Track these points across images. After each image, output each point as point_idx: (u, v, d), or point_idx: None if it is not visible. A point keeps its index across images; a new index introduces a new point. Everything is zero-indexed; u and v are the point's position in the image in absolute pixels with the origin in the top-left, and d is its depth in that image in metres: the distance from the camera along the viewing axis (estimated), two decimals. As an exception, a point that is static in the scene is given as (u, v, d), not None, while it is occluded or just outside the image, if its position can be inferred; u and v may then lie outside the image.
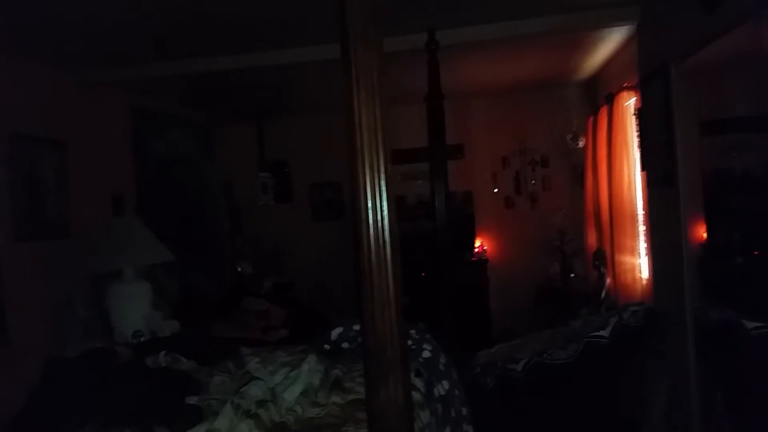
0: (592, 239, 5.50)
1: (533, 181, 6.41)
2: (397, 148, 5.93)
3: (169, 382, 2.32)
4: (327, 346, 2.68)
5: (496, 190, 6.53)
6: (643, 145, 3.72)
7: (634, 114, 3.91)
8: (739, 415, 2.87)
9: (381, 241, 1.25)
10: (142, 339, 3.46)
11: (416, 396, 2.26)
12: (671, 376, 3.42)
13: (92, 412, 1.98)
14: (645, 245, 4.03)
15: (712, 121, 3.36)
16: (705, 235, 3.64)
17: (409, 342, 2.61)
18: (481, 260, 6.42)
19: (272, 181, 6.29)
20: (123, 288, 3.71)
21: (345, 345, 2.66)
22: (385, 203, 1.26)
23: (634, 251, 4.23)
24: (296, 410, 2.04)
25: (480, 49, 4.43)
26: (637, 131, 3.87)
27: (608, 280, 4.78)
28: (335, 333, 2.72)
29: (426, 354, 2.61)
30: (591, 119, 5.42)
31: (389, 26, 3.52)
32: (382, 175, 1.26)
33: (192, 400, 2.20)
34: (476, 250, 6.48)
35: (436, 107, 3.33)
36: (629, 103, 4.15)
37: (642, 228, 4.09)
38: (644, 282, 4.08)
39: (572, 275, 5.88)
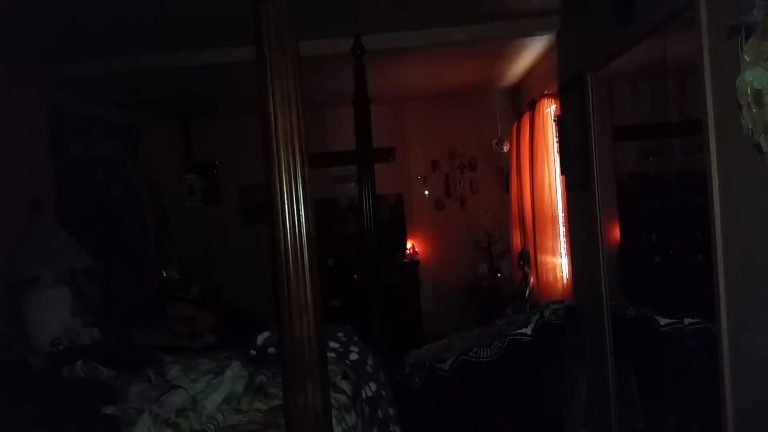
0: (516, 240, 5.66)
1: (462, 184, 6.55)
2: (328, 150, 5.96)
3: (84, 391, 2.23)
4: (253, 352, 2.65)
5: (426, 193, 6.63)
6: (562, 150, 3.87)
7: (554, 120, 4.06)
8: (653, 407, 3.02)
9: (298, 245, 1.25)
10: (60, 348, 3.31)
11: (342, 398, 2.26)
12: (590, 371, 3.56)
13: (1, 426, 1.88)
14: (565, 246, 4.19)
15: (625, 127, 3.51)
16: (620, 235, 3.80)
17: (337, 344, 2.61)
18: (413, 261, 6.50)
19: (200, 182, 6.14)
20: (40, 295, 3.54)
21: (272, 350, 2.64)
22: (302, 207, 1.26)
23: (555, 251, 4.39)
24: (217, 418, 2.01)
25: (408, 55, 4.49)
26: (556, 137, 4.02)
27: (532, 280, 4.94)
28: (261, 338, 2.69)
29: (353, 356, 2.62)
30: (515, 125, 5.59)
31: (316, 29, 3.52)
32: (299, 180, 1.26)
33: (109, 409, 2.13)
34: (407, 251, 6.56)
35: (362, 111, 3.36)
36: (549, 109, 4.31)
37: (562, 229, 4.25)
38: (565, 281, 4.24)
39: (499, 275, 6.04)
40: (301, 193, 1.26)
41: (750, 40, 1.50)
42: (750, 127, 1.54)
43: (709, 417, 2.13)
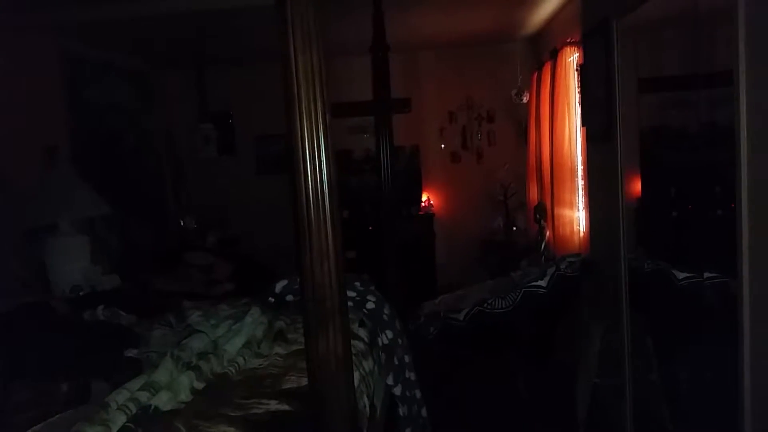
0: (533, 193, 5.62)
1: (479, 136, 6.47)
2: (343, 101, 5.88)
3: (106, 335, 2.28)
4: (271, 299, 2.68)
5: (443, 146, 6.56)
6: (584, 101, 3.79)
7: (577, 70, 3.96)
8: (667, 360, 3.04)
9: (319, 192, 1.24)
10: (80, 294, 3.37)
11: (359, 345, 2.29)
12: (605, 324, 3.57)
13: (24, 368, 1.93)
14: (583, 199, 4.15)
15: (650, 78, 3.42)
16: (641, 189, 3.76)
17: (354, 294, 2.63)
18: (428, 214, 6.49)
19: (215, 132, 6.11)
20: (60, 242, 3.59)
21: (289, 297, 2.66)
22: (324, 154, 1.25)
23: (572, 205, 4.35)
24: (238, 361, 2.05)
25: (427, 0, 4.37)
26: (578, 87, 3.93)
27: (548, 233, 4.92)
28: (279, 286, 2.71)
29: (370, 305, 2.64)
30: (535, 75, 5.46)
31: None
32: (321, 125, 1.24)
33: (131, 353, 2.17)
34: (423, 204, 6.54)
35: (381, 58, 3.29)
36: (572, 59, 4.19)
37: (581, 182, 4.20)
38: (581, 234, 4.22)
39: (515, 228, 6.03)
40: (322, 139, 1.24)
41: (792, -17, 1.43)
42: (786, 75, 1.49)
43: (723, 371, 2.13)
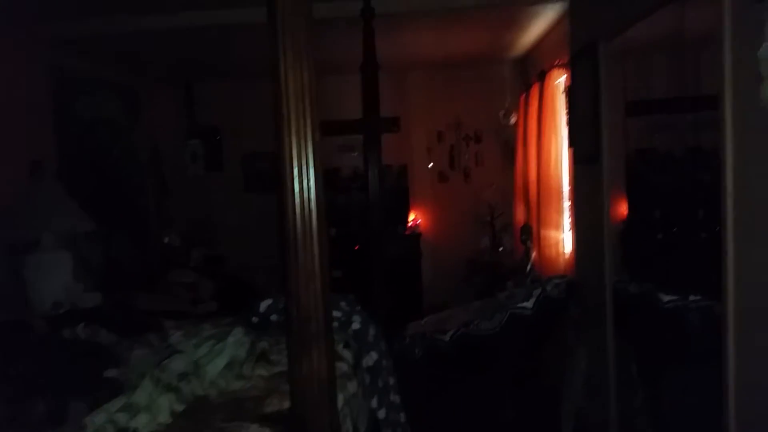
0: (520, 214, 5.64)
1: (467, 156, 6.50)
2: (332, 119, 5.88)
3: (85, 354, 2.23)
4: (255, 319, 2.64)
5: (430, 165, 6.58)
6: (571, 123, 3.82)
7: (564, 92, 3.99)
8: (651, 384, 3.03)
9: (307, 211, 1.22)
10: (61, 311, 3.31)
11: (344, 367, 2.26)
12: (590, 347, 3.57)
13: None
14: (569, 220, 4.16)
15: (637, 101, 3.46)
16: (627, 211, 3.78)
17: (339, 314, 2.60)
18: (415, 233, 6.48)
19: (202, 148, 6.09)
20: (41, 257, 3.52)
21: (274, 317, 2.63)
22: (312, 172, 1.23)
23: (558, 226, 4.36)
24: (219, 383, 2.01)
25: (417, 21, 4.41)
26: (566, 109, 3.96)
27: (534, 254, 4.93)
28: (264, 305, 2.68)
29: (355, 325, 2.61)
30: (523, 96, 5.51)
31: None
32: (309, 144, 1.23)
33: (111, 373, 2.12)
34: (410, 223, 6.54)
35: (370, 77, 3.29)
36: (560, 81, 4.23)
37: (567, 204, 4.22)
38: (567, 256, 4.22)
39: (501, 249, 6.03)
40: (311, 157, 1.23)
41: (776, 10, 1.45)
42: (771, 100, 1.50)
43: (708, 396, 2.12)
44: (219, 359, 2.11)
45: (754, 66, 1.53)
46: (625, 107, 3.31)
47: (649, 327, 3.05)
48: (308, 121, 1.20)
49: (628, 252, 3.41)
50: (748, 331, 1.84)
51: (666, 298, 2.94)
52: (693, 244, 2.78)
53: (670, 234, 3.32)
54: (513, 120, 5.88)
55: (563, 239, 4.31)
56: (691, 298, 2.67)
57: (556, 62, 4.24)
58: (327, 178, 5.07)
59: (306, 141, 1.21)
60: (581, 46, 3.44)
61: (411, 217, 6.56)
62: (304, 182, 1.21)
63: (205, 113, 6.32)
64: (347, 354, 2.39)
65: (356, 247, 5.93)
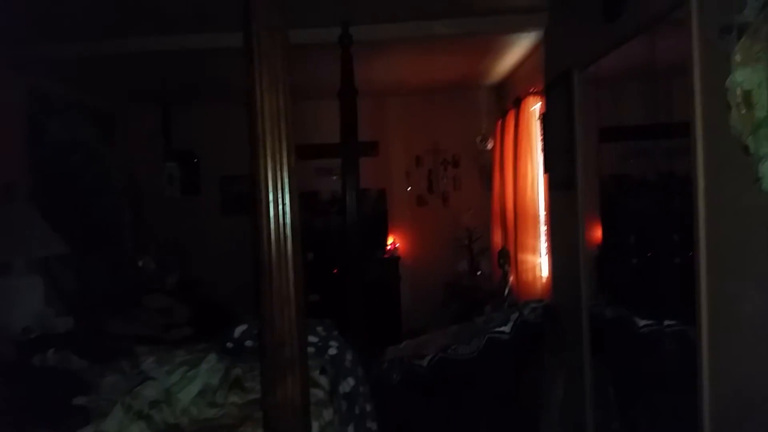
0: (497, 238, 5.67)
1: (445, 181, 6.54)
2: (311, 143, 5.90)
3: (54, 381, 2.17)
4: (230, 344, 2.60)
5: (409, 189, 6.61)
6: (546, 149, 3.87)
7: (539, 119, 4.05)
8: (628, 408, 3.03)
9: (282, 235, 1.21)
10: (31, 336, 3.23)
11: (320, 394, 2.23)
12: (568, 371, 3.57)
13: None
14: (546, 245, 4.20)
15: (611, 128, 3.53)
16: (602, 236, 3.82)
17: (316, 339, 2.58)
18: (393, 257, 6.47)
19: (179, 171, 6.03)
20: (12, 282, 3.45)
21: (249, 343, 2.59)
22: (287, 196, 1.23)
23: (535, 250, 4.40)
24: (191, 411, 1.97)
25: (395, 47, 4.46)
26: (541, 135, 4.02)
27: (511, 278, 4.94)
28: (239, 330, 2.64)
29: (332, 351, 2.59)
30: (499, 122, 5.58)
31: (303, 17, 3.46)
32: (285, 167, 1.22)
33: (80, 400, 2.07)
34: (389, 247, 6.53)
35: (348, 103, 3.31)
36: (535, 107, 4.30)
37: (543, 228, 4.25)
38: (544, 280, 4.25)
39: (479, 273, 6.04)
40: (286, 181, 1.22)
41: (741, 41, 1.49)
42: (738, 128, 1.53)
43: (684, 421, 2.13)
44: (192, 386, 2.06)
45: (723, 94, 1.56)
46: (600, 134, 3.36)
47: (625, 351, 3.07)
48: (284, 145, 1.20)
49: (604, 276, 3.44)
50: (720, 356, 1.86)
51: (641, 322, 2.96)
52: (667, 269, 2.81)
53: (645, 259, 3.36)
54: (490, 145, 5.95)
55: (540, 263, 4.34)
56: (666, 322, 2.69)
57: (532, 89, 4.31)
58: (306, 201, 5.06)
59: (281, 165, 1.20)
60: (556, 74, 3.51)
61: (389, 240, 6.56)
62: (280, 206, 1.20)
63: (183, 136, 6.29)
64: (323, 380, 2.36)
65: (334, 271, 5.90)
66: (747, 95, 1.50)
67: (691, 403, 1.99)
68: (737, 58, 1.51)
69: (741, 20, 1.50)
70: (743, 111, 1.52)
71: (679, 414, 2.35)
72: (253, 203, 1.21)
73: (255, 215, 1.20)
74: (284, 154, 1.20)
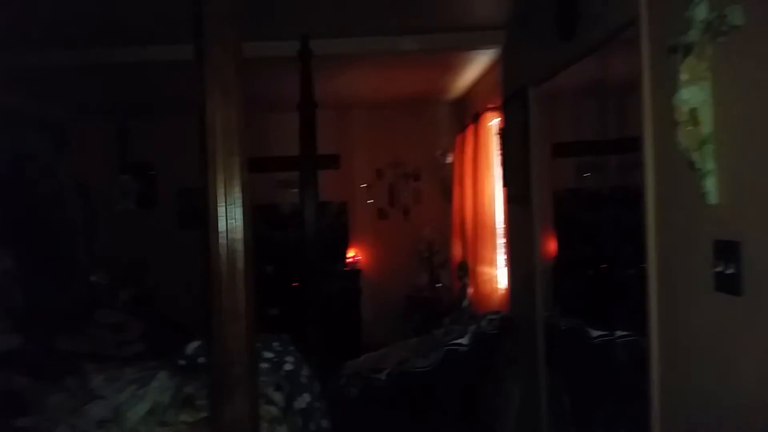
0: (457, 251, 5.71)
1: (406, 194, 6.57)
2: (273, 156, 5.86)
3: (-4, 403, 2.08)
4: (182, 361, 2.54)
5: (370, 202, 6.61)
6: (504, 164, 3.93)
7: (497, 134, 4.11)
8: (583, 418, 3.07)
9: (233, 250, 1.19)
10: (-27, 355, 3.10)
11: (274, 410, 2.19)
12: (524, 382, 3.60)
13: None
14: (504, 257, 4.24)
15: (567, 143, 3.60)
16: (558, 249, 3.88)
17: (271, 355, 2.54)
18: (354, 270, 6.45)
19: (134, 184, 5.90)
20: (-48, 298, 3.31)
21: (202, 360, 2.53)
22: (239, 212, 1.21)
23: (493, 263, 4.44)
24: (140, 431, 1.91)
25: (356, 62, 4.47)
26: (499, 150, 4.08)
27: (470, 290, 4.98)
28: (191, 347, 2.58)
29: (288, 366, 2.55)
30: (459, 137, 5.64)
31: (263, 30, 3.45)
32: (237, 181, 1.21)
33: (23, 421, 1.99)
34: (349, 260, 6.51)
35: (307, 116, 3.30)
36: (493, 123, 4.36)
37: (501, 241, 4.30)
38: (502, 292, 4.29)
39: (439, 285, 6.07)
40: (238, 196, 1.20)
41: (687, 60, 1.54)
42: (685, 144, 1.58)
43: (637, 430, 2.16)
44: (141, 404, 2.01)
45: (671, 111, 1.61)
46: (555, 149, 3.43)
47: (579, 362, 3.11)
48: (236, 159, 1.19)
49: (559, 288, 3.49)
50: (670, 366, 1.90)
51: (595, 333, 3.01)
52: (621, 281, 2.86)
53: (599, 270, 3.42)
54: (450, 159, 6.01)
55: (498, 275, 4.38)
56: (619, 333, 2.74)
57: (490, 105, 4.38)
58: (266, 214, 5.00)
59: (233, 179, 1.19)
60: (512, 91, 3.57)
61: (350, 253, 6.54)
62: (231, 221, 1.18)
63: (140, 149, 6.16)
64: (278, 397, 2.32)
65: (294, 285, 5.84)
66: (693, 112, 1.55)
67: (644, 412, 2.03)
68: (683, 76, 1.56)
69: (687, 40, 1.55)
70: (689, 127, 1.57)
71: (632, 423, 2.39)
72: (204, 217, 1.19)
73: (205, 229, 1.18)
74: (236, 168, 1.19)
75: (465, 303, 4.97)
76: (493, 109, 4.33)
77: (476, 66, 4.65)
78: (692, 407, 1.75)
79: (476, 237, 4.79)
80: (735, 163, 1.48)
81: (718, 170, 1.53)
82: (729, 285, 1.49)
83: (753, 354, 1.44)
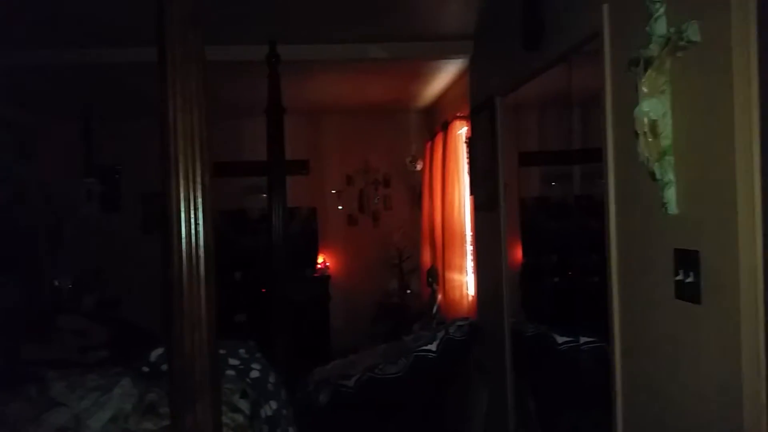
0: (426, 257, 5.73)
1: (376, 200, 6.57)
2: (241, 160, 5.82)
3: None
4: (146, 368, 2.50)
5: (340, 207, 6.60)
6: (471, 172, 3.96)
7: (465, 142, 4.15)
8: (549, 423, 3.10)
9: (194, 255, 1.18)
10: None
11: (239, 418, 2.17)
12: (491, 388, 3.63)
13: None
14: (472, 264, 4.27)
15: (533, 152, 3.65)
16: (525, 256, 3.93)
17: (237, 362, 2.51)
18: (324, 276, 6.43)
19: (99, 187, 5.78)
20: None
21: (165, 367, 2.49)
22: (200, 217, 1.20)
23: (462, 269, 4.47)
24: (101, 439, 1.87)
25: (325, 68, 4.47)
26: (467, 158, 4.11)
27: (439, 297, 5.00)
28: (155, 354, 2.54)
29: (254, 374, 2.52)
30: (429, 144, 5.68)
31: (231, 34, 3.42)
32: (199, 186, 1.20)
33: (-22, 432, 1.93)
34: (319, 266, 6.48)
35: (275, 121, 3.29)
36: (461, 131, 4.40)
37: (470, 248, 4.34)
38: (470, 298, 4.32)
39: (409, 291, 6.09)
40: (200, 201, 1.19)
41: (648, 73, 1.58)
42: (645, 155, 1.62)
43: (602, 433, 2.19)
44: (102, 412, 1.97)
45: (632, 123, 1.64)
46: (522, 158, 3.48)
47: (545, 367, 3.15)
48: (197, 164, 1.18)
49: (526, 295, 3.53)
50: (632, 373, 1.93)
51: (561, 339, 3.05)
52: (585, 288, 2.90)
53: (565, 278, 3.47)
54: (419, 166, 6.04)
55: (467, 282, 4.41)
56: (584, 339, 2.77)
57: (458, 114, 4.42)
58: (234, 219, 4.93)
59: (195, 184, 1.18)
60: (480, 100, 3.61)
61: (320, 259, 6.51)
62: (192, 226, 1.17)
63: (105, 152, 6.04)
64: (244, 404, 2.30)
65: (262, 291, 5.80)
66: (653, 124, 1.59)
67: (608, 417, 2.06)
68: (644, 89, 1.60)
69: (647, 54, 1.59)
70: (650, 139, 1.61)
71: (596, 427, 2.42)
72: (164, 222, 1.18)
73: (166, 235, 1.17)
74: (198, 173, 1.18)
75: (434, 309, 4.99)
76: (461, 118, 4.37)
77: (445, 75, 4.69)
78: (653, 411, 1.79)
79: (445, 244, 4.82)
80: (693, 175, 1.52)
81: (678, 181, 1.57)
82: (689, 293, 1.53)
83: (710, 361, 1.47)
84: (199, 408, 1.14)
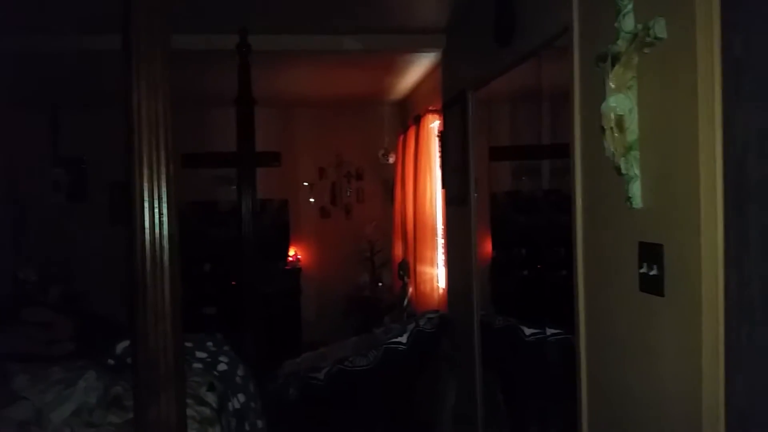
0: (398, 250, 5.75)
1: (348, 193, 6.56)
2: (211, 151, 5.75)
3: None
4: (111, 361, 2.46)
5: (312, 200, 6.57)
6: (443, 165, 3.98)
7: (438, 136, 4.16)
8: (517, 414, 3.15)
9: (158, 247, 1.17)
10: None
11: (206, 411, 2.15)
12: (460, 380, 3.66)
13: None
14: (443, 257, 4.30)
15: (504, 147, 3.67)
16: (494, 250, 3.96)
17: (204, 354, 2.49)
18: (295, 269, 6.40)
19: (66, 177, 5.67)
20: None
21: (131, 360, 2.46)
22: (165, 207, 1.18)
23: (433, 262, 4.50)
24: (64, 432, 1.84)
25: (298, 59, 4.44)
26: (439, 152, 4.13)
27: (410, 290, 5.02)
28: (121, 347, 2.51)
29: (222, 367, 2.51)
30: (401, 138, 5.68)
31: (201, 23, 3.37)
32: (163, 176, 1.18)
33: (-65, 427, 1.88)
34: (290, 258, 6.45)
35: (245, 111, 3.26)
36: (434, 125, 4.41)
37: (441, 241, 4.36)
38: (441, 291, 4.34)
39: (380, 284, 6.10)
40: (164, 191, 1.18)
41: (615, 69, 1.60)
42: (612, 150, 1.64)
43: (568, 426, 2.23)
44: (66, 406, 1.93)
45: (599, 118, 1.66)
46: (493, 152, 3.50)
47: (513, 359, 3.18)
48: (162, 154, 1.16)
49: (495, 288, 3.56)
50: (596, 364, 1.97)
51: (529, 331, 3.09)
52: (554, 281, 2.94)
53: (534, 271, 3.51)
54: (392, 159, 6.04)
55: (437, 275, 4.44)
56: (551, 331, 2.81)
57: (431, 107, 4.42)
58: (204, 211, 4.86)
59: (159, 174, 1.16)
60: (452, 94, 3.62)
61: (291, 252, 6.48)
62: (156, 217, 1.15)
63: (71, 141, 5.92)
64: (211, 397, 2.28)
65: (233, 283, 5.75)
66: (619, 120, 1.61)
67: (573, 408, 2.09)
68: (611, 84, 1.62)
69: (615, 50, 1.61)
70: (616, 134, 1.63)
71: (562, 418, 2.46)
72: (128, 213, 1.16)
73: (129, 226, 1.15)
74: (162, 163, 1.16)
75: (405, 302, 5.01)
76: (434, 112, 4.38)
77: (418, 68, 4.70)
78: (617, 402, 1.82)
79: (417, 237, 4.83)
80: (658, 169, 1.54)
81: (643, 176, 1.59)
82: (653, 286, 1.55)
83: (672, 353, 1.50)
84: (163, 400, 1.13)
